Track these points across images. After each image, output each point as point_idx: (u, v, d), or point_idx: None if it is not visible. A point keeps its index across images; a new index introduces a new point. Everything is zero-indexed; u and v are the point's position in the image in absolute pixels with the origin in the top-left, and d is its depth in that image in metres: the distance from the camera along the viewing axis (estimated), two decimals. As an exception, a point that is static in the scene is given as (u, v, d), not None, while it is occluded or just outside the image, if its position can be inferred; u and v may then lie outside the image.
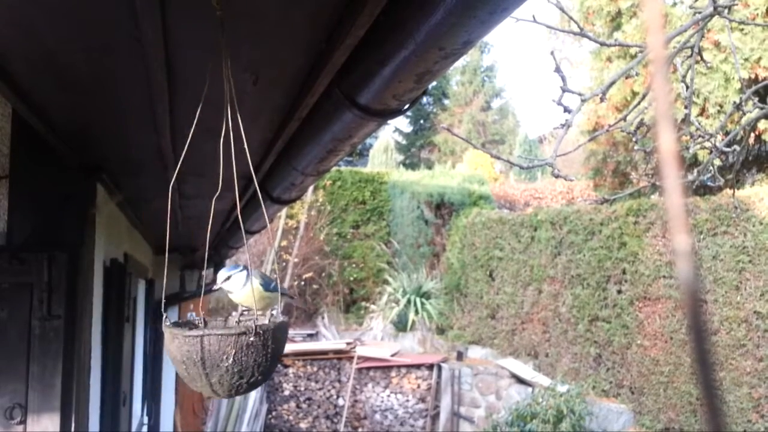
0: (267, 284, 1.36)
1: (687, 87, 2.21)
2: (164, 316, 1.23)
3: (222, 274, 1.34)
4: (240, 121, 1.16)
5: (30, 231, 2.15)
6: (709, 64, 2.48)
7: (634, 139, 2.31)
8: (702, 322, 0.41)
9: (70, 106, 1.80)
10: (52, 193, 2.20)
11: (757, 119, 2.46)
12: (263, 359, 1.14)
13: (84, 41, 1.32)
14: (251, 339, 1.11)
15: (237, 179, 1.30)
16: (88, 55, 1.40)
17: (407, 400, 9.69)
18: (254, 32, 1.27)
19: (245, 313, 1.35)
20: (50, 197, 2.20)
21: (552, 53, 1.83)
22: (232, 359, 1.10)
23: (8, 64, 1.44)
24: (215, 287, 1.38)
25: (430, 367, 9.72)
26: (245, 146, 1.16)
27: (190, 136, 1.21)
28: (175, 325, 1.21)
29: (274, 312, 1.31)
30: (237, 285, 1.31)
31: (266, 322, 1.22)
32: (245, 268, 1.33)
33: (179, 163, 1.30)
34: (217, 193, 1.17)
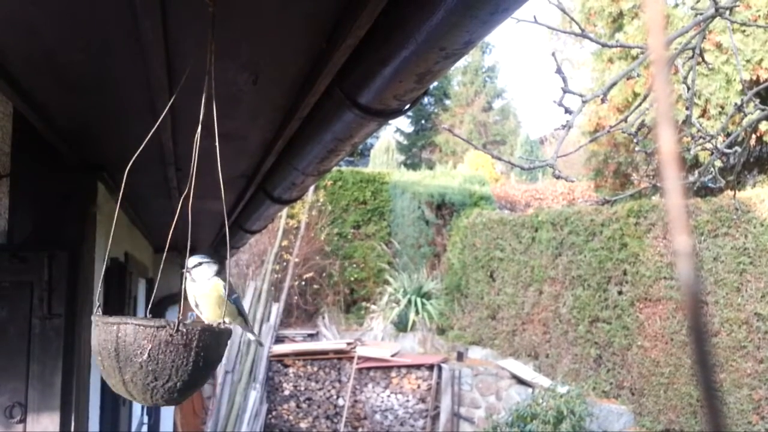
0: (230, 292, 1.30)
1: (688, 88, 2.21)
2: (97, 306, 1.16)
3: (194, 258, 1.28)
4: (215, 117, 1.14)
5: (30, 229, 2.16)
6: (710, 66, 2.47)
7: (635, 141, 2.31)
8: (702, 324, 0.40)
9: (71, 105, 1.80)
10: (52, 192, 2.20)
11: (759, 121, 2.45)
12: (183, 362, 1.05)
13: (84, 40, 1.32)
14: (171, 335, 1.04)
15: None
16: (89, 54, 1.40)
17: (407, 401, 9.68)
18: (253, 31, 1.27)
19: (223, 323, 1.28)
20: (51, 196, 2.20)
21: (553, 54, 1.83)
22: (147, 355, 1.03)
23: (9, 62, 1.44)
24: (183, 270, 1.32)
25: (431, 367, 9.71)
26: (216, 143, 1.14)
27: (152, 131, 1.20)
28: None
29: (225, 322, 1.22)
30: (203, 276, 1.25)
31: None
32: (219, 263, 1.29)
33: (146, 143, 1.30)
34: (185, 192, 1.15)
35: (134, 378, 1.05)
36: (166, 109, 1.20)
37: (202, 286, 1.25)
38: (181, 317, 1.08)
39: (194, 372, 1.07)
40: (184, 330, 1.05)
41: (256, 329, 9.80)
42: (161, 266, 1.33)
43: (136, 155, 1.18)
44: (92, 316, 1.10)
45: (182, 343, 1.05)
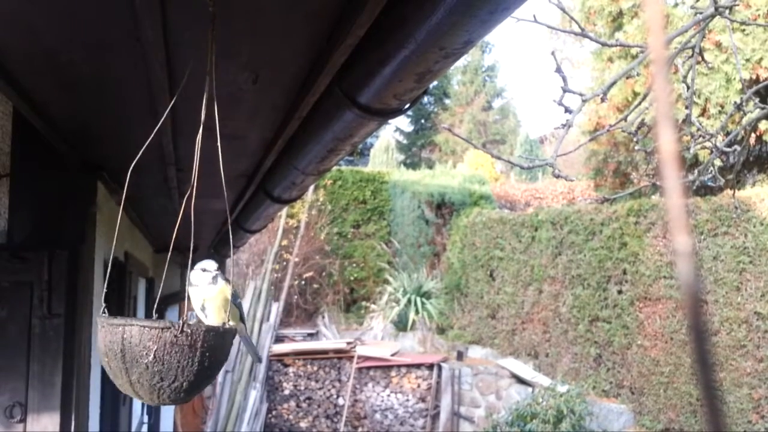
0: (234, 296, 1.31)
1: (688, 87, 2.21)
2: (103, 307, 1.17)
3: (201, 264, 1.30)
4: (217, 117, 1.14)
5: (31, 229, 2.16)
6: (710, 65, 2.47)
7: (635, 140, 2.31)
8: (702, 323, 0.41)
9: (71, 105, 1.80)
10: (52, 192, 2.20)
11: (758, 119, 2.45)
12: (189, 362, 1.06)
13: (84, 40, 1.32)
14: (176, 336, 1.04)
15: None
16: (89, 53, 1.40)
17: (407, 400, 9.68)
18: (253, 31, 1.27)
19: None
20: (51, 195, 2.20)
21: (553, 53, 1.83)
22: (152, 356, 1.03)
23: (9, 62, 1.44)
24: (191, 271, 1.33)
25: (431, 366, 9.71)
26: (218, 143, 1.14)
27: (154, 132, 1.20)
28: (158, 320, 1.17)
29: (229, 323, 1.24)
30: (207, 279, 1.26)
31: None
32: (219, 269, 1.30)
33: (141, 151, 1.30)
34: (188, 192, 1.15)
35: (141, 379, 1.05)
36: (167, 110, 1.20)
37: (209, 290, 1.26)
38: (185, 318, 1.08)
39: (200, 372, 1.08)
40: (189, 331, 1.05)
41: (255, 328, 9.79)
42: (165, 267, 1.33)
43: (138, 156, 1.18)
44: (97, 318, 1.11)
45: (187, 344, 1.05)
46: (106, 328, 1.06)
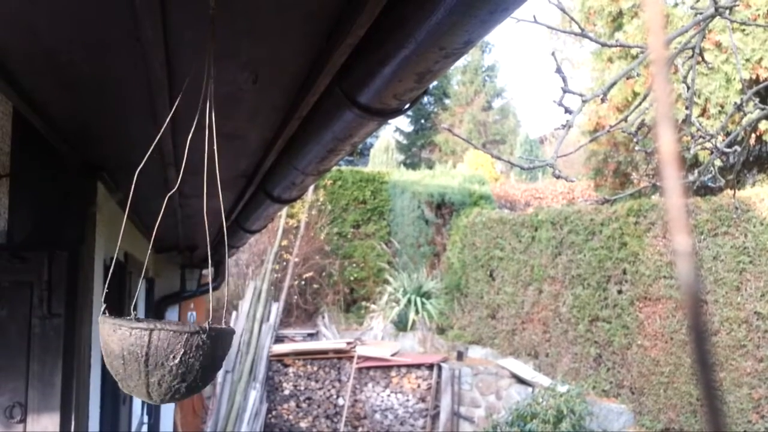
0: None
1: (688, 88, 2.21)
2: (103, 307, 1.15)
3: None
4: (213, 117, 1.14)
5: (30, 229, 2.16)
6: (710, 65, 2.48)
7: (635, 140, 2.31)
8: (702, 323, 0.41)
9: (71, 105, 1.80)
10: (52, 192, 2.20)
11: (758, 120, 2.45)
12: (209, 363, 1.06)
13: (84, 40, 1.32)
14: (202, 340, 1.04)
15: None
16: (89, 53, 1.40)
17: (407, 400, 9.68)
18: (253, 31, 1.27)
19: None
20: (51, 195, 2.20)
21: (553, 54, 1.83)
22: (179, 359, 1.03)
23: (9, 62, 1.44)
24: None
25: (430, 366, 9.71)
26: (213, 144, 1.15)
27: (160, 132, 1.20)
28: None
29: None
30: None
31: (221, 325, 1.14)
32: None
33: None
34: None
35: (161, 381, 1.04)
36: (169, 116, 1.20)
37: None
38: (206, 320, 1.08)
39: (211, 372, 1.09)
40: (213, 334, 1.06)
41: (255, 329, 9.78)
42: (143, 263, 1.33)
43: (145, 158, 1.18)
44: (105, 320, 1.08)
45: (210, 347, 1.05)
46: (124, 330, 1.03)
